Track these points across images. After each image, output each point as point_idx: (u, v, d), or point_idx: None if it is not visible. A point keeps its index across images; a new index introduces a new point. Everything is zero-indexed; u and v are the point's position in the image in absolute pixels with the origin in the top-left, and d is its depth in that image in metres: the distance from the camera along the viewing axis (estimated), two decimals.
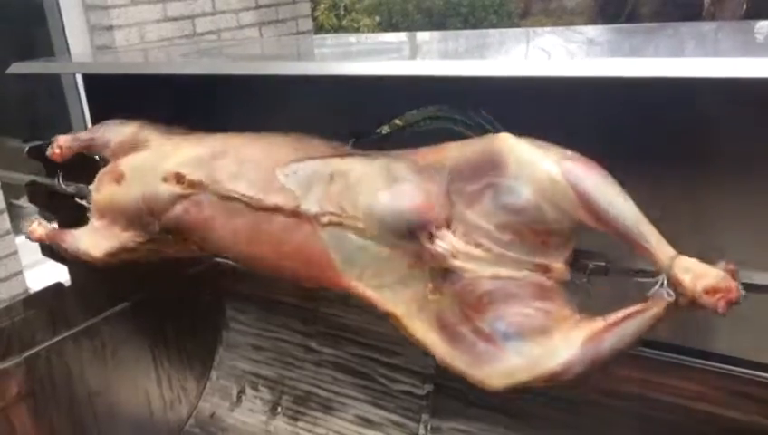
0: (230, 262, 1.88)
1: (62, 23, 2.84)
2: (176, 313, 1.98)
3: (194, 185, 1.27)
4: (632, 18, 7.71)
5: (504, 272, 1.02)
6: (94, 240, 1.44)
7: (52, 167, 1.58)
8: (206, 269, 2.00)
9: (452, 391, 1.70)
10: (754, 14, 5.62)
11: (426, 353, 1.71)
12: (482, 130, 1.43)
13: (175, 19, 3.02)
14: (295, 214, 1.17)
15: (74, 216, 1.51)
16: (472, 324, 1.04)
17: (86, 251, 1.45)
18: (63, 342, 1.70)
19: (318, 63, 1.52)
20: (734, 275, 0.89)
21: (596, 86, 1.08)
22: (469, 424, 1.68)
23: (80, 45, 2.85)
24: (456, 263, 1.04)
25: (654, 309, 0.93)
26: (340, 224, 1.13)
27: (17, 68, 1.54)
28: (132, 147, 1.43)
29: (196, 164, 1.29)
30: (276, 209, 1.18)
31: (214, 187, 1.25)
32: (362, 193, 1.12)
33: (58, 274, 1.79)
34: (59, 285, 1.72)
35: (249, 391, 2.05)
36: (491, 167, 1.01)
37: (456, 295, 1.05)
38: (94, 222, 1.44)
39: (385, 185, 1.11)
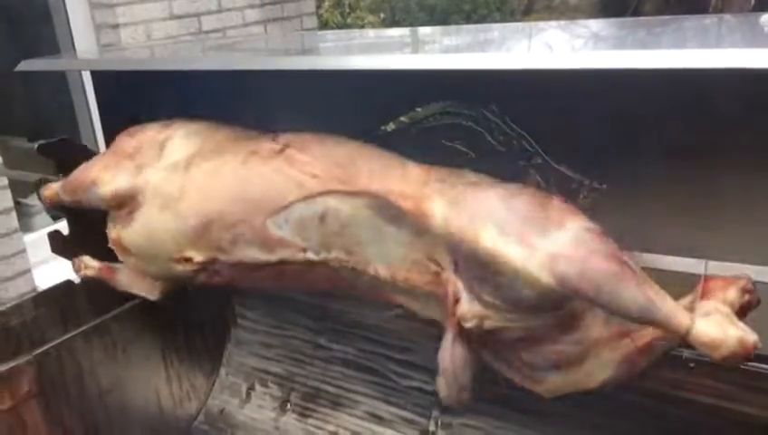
0: None
1: (68, 21, 2.85)
2: (185, 310, 1.98)
3: (204, 263, 1.32)
4: (636, 15, 7.69)
5: (526, 323, 1.09)
6: (143, 286, 1.55)
7: (61, 164, 1.58)
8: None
9: None
10: (760, 9, 5.60)
11: (437, 349, 1.73)
12: (491, 126, 1.44)
13: (181, 17, 3.03)
14: (307, 262, 1.22)
15: (83, 214, 1.52)
16: (516, 356, 1.15)
17: (144, 296, 1.57)
18: (74, 339, 1.70)
19: (331, 58, 1.51)
20: (750, 293, 0.94)
21: (603, 79, 1.08)
22: (480, 420, 1.68)
23: (85, 44, 2.85)
24: (484, 325, 1.10)
25: (677, 334, 0.96)
26: (353, 269, 1.19)
27: (27, 65, 1.54)
28: (122, 207, 1.41)
29: (194, 243, 1.31)
30: (285, 262, 1.23)
31: (222, 257, 1.29)
32: (362, 237, 1.17)
33: (66, 272, 1.79)
34: (69, 283, 1.72)
35: (258, 387, 2.05)
36: (485, 266, 1.04)
37: (492, 339, 1.14)
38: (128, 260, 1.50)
39: (379, 226, 1.15)
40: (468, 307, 1.08)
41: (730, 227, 1.19)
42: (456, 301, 1.09)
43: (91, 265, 1.62)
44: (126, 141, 1.43)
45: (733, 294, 0.94)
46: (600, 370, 1.06)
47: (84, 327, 1.72)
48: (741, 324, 0.92)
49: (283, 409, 2.00)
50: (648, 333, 1.01)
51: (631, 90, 1.15)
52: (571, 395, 1.14)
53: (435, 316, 1.21)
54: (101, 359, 1.77)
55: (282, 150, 1.24)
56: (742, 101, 1.13)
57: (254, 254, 1.23)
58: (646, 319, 0.93)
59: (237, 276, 1.31)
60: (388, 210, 1.12)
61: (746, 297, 0.93)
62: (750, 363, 1.31)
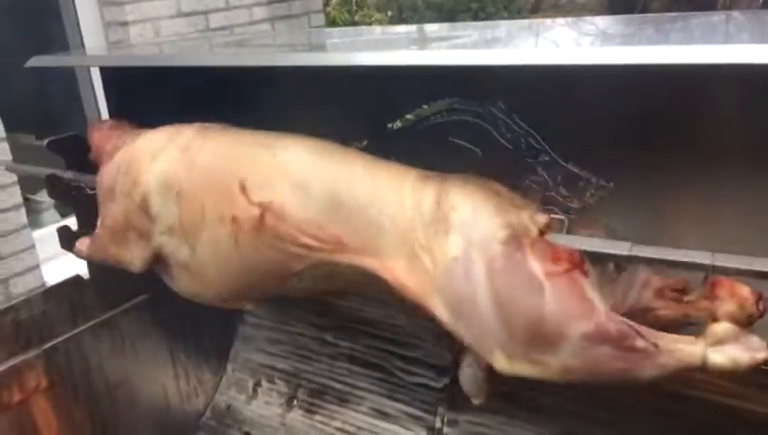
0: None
1: (77, 19, 2.86)
2: (192, 305, 1.98)
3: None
4: (644, 13, 7.66)
5: None
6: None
7: (71, 160, 1.60)
8: None
9: None
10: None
11: (442, 347, 1.73)
12: (497, 123, 1.44)
13: (188, 14, 3.04)
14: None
15: (93, 208, 1.53)
16: None
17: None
18: (83, 334, 1.71)
19: (339, 54, 1.52)
20: (758, 302, 0.94)
21: (611, 76, 1.08)
22: (486, 417, 1.68)
23: (94, 41, 2.87)
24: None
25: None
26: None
27: (37, 61, 1.55)
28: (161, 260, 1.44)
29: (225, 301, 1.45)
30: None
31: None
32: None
33: (74, 267, 1.80)
34: (78, 278, 1.73)
35: (265, 383, 2.06)
36: None
37: None
38: None
39: None
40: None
41: (737, 221, 1.19)
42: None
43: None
44: (108, 207, 1.42)
45: (741, 303, 0.95)
46: None
47: (93, 322, 1.73)
48: (751, 341, 0.95)
49: (289, 405, 2.01)
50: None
51: (639, 86, 1.15)
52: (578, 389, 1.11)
53: None
54: (110, 354, 1.78)
55: (261, 219, 1.21)
56: (748, 97, 1.13)
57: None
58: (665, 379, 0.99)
59: None
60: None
61: (754, 308, 0.94)
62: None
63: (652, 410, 1.44)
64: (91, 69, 2.81)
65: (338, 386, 1.93)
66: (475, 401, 1.26)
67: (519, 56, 1.10)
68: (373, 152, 1.29)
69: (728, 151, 1.20)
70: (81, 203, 1.61)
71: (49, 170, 1.63)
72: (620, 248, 1.04)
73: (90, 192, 1.54)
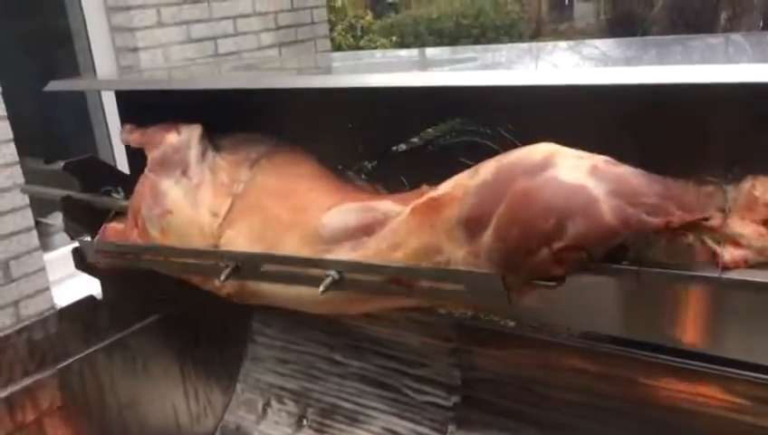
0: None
1: (89, 45, 2.91)
2: (203, 326, 2.01)
3: None
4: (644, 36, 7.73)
5: None
6: None
7: (87, 182, 1.62)
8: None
9: (479, 402, 1.72)
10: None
11: (452, 365, 1.74)
12: (504, 143, 1.46)
13: (198, 40, 3.09)
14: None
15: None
16: None
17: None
18: (95, 354, 1.73)
19: (345, 76, 1.55)
20: None
21: (617, 96, 1.10)
22: (495, 434, 1.69)
23: (106, 66, 2.91)
24: None
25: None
26: None
27: (55, 85, 1.59)
28: None
29: None
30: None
31: None
32: None
33: (84, 289, 1.82)
34: (91, 298, 1.75)
35: (274, 403, 2.07)
36: None
37: None
38: None
39: None
40: None
41: None
42: None
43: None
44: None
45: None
46: None
47: (106, 342, 1.75)
48: None
49: (299, 425, 2.01)
50: None
51: (643, 106, 1.17)
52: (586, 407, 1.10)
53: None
54: (122, 373, 1.79)
55: None
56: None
57: None
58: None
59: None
60: None
61: None
62: (759, 376, 1.33)
63: (661, 426, 1.45)
64: (103, 94, 2.85)
65: (348, 405, 1.94)
66: None
67: (531, 77, 1.13)
68: (380, 175, 1.31)
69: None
70: (95, 224, 1.64)
71: (64, 192, 1.66)
72: None
73: (105, 213, 1.57)
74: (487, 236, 1.03)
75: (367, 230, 1.19)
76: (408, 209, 1.14)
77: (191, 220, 1.41)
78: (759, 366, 1.35)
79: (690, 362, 1.42)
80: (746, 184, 0.95)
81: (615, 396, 1.50)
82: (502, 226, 1.01)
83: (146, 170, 1.48)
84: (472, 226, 1.05)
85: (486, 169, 1.06)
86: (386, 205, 1.20)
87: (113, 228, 1.58)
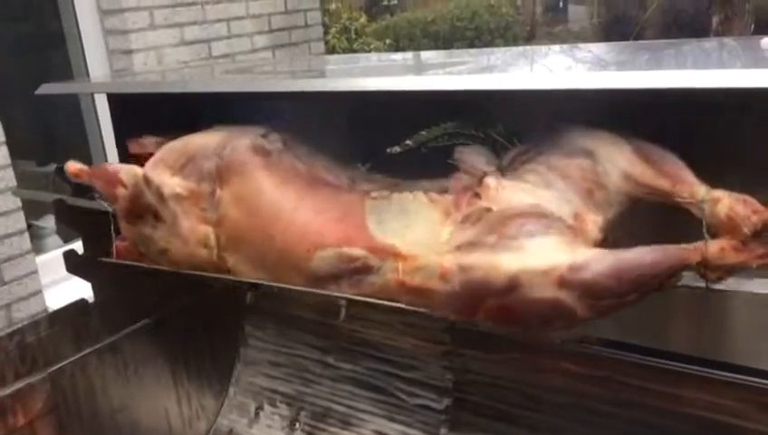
0: (248, 280, 1.92)
1: (83, 47, 2.91)
2: (195, 329, 2.00)
3: (276, 141, 1.40)
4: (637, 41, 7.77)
5: (542, 201, 1.06)
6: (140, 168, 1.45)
7: (79, 185, 1.62)
8: (225, 287, 2.03)
9: (471, 405, 1.71)
10: (759, 33, 5.67)
11: (444, 368, 1.74)
12: (497, 146, 1.47)
13: (191, 43, 3.09)
14: (350, 188, 1.30)
15: (100, 233, 1.55)
16: (498, 232, 1.03)
17: (128, 169, 1.43)
18: (87, 358, 1.72)
19: (339, 80, 1.55)
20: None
21: (608, 100, 1.11)
22: None
23: (99, 69, 2.92)
24: (498, 194, 1.08)
25: (683, 246, 0.96)
26: (387, 197, 1.21)
27: (47, 89, 1.59)
28: None
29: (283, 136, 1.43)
30: (335, 180, 1.33)
31: (292, 150, 1.39)
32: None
33: (75, 293, 1.82)
34: (83, 302, 1.75)
35: (267, 407, 2.07)
36: (553, 136, 1.13)
37: (489, 220, 1.07)
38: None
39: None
40: (495, 180, 1.11)
41: None
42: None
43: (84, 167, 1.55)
44: None
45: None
46: (586, 248, 1.00)
47: (97, 346, 1.75)
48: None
49: (291, 428, 2.01)
50: None
51: (633, 110, 1.18)
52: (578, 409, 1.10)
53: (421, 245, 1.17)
54: (113, 377, 1.79)
55: None
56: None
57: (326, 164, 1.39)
58: (680, 171, 1.03)
59: (275, 169, 1.35)
60: None
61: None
62: (755, 380, 1.34)
63: (656, 431, 1.45)
64: (96, 96, 2.85)
65: (340, 409, 1.94)
66: None
67: (522, 81, 1.14)
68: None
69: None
70: (87, 227, 1.64)
71: (56, 195, 1.66)
72: None
73: (97, 216, 1.56)
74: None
75: (360, 271, 1.20)
76: (389, 278, 1.16)
77: (191, 255, 1.40)
78: (751, 369, 1.35)
79: (683, 365, 1.42)
80: (722, 203, 0.96)
81: (607, 399, 1.50)
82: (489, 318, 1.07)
83: (122, 223, 1.46)
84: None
85: (453, 278, 1.07)
86: (363, 254, 1.18)
87: (125, 248, 1.55)
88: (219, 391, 2.11)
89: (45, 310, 2.53)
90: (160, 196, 1.37)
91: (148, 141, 1.55)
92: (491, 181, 1.10)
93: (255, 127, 1.42)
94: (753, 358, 1.33)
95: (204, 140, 1.41)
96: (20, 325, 1.64)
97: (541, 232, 1.01)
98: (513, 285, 1.00)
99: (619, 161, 1.06)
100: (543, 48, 2.62)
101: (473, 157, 1.19)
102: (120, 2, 2.81)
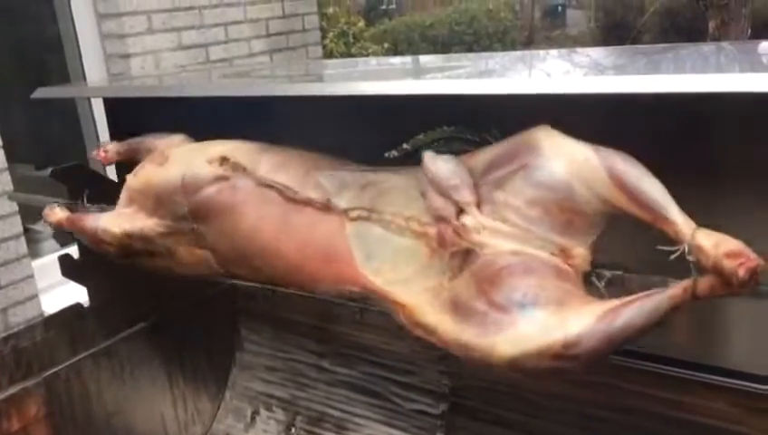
0: (244, 283, 1.92)
1: (80, 51, 2.91)
2: (191, 333, 2.00)
3: (236, 168, 1.32)
4: (635, 45, 7.79)
5: (525, 249, 1.04)
6: (116, 221, 1.45)
7: (74, 189, 1.62)
8: (221, 290, 2.03)
9: (467, 409, 1.71)
10: (755, 38, 5.69)
11: (440, 373, 1.74)
12: None
13: (189, 47, 3.09)
14: (326, 207, 1.22)
15: None
16: (487, 298, 1.04)
17: (105, 228, 1.44)
18: (82, 362, 1.72)
19: (338, 84, 1.55)
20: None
21: (604, 104, 1.11)
22: None
23: (96, 73, 2.91)
24: (480, 238, 1.07)
25: (671, 289, 0.94)
26: (367, 218, 1.18)
27: (43, 93, 1.59)
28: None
29: (243, 152, 1.35)
30: (308, 202, 1.23)
31: (254, 173, 1.30)
32: (394, 201, 1.18)
33: (72, 298, 1.82)
34: (78, 306, 1.75)
35: (263, 411, 2.06)
36: (526, 151, 1.07)
37: (475, 273, 1.07)
38: (120, 209, 1.46)
39: (416, 197, 1.16)
40: (474, 218, 1.08)
41: None
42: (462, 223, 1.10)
43: (62, 210, 1.58)
44: None
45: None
46: (577, 318, 0.96)
47: (93, 350, 1.74)
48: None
49: (287, 433, 2.01)
50: (637, 295, 0.98)
51: (632, 114, 1.18)
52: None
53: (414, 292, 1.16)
54: (109, 381, 1.79)
55: None
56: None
57: (287, 182, 1.27)
58: (664, 206, 0.96)
59: (241, 205, 1.30)
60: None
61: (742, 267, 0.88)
62: (753, 385, 1.33)
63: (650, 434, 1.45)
64: (92, 100, 2.85)
65: (336, 413, 1.94)
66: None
67: (516, 86, 1.14)
68: None
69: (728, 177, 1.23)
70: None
71: (51, 199, 1.65)
72: None
73: None
74: None
75: (363, 299, 1.25)
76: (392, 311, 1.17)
77: (196, 271, 1.44)
78: (749, 375, 1.35)
79: (681, 370, 1.42)
80: (706, 255, 0.91)
81: (603, 404, 1.50)
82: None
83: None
84: None
85: (453, 347, 1.09)
86: (361, 292, 1.20)
87: None
88: (215, 395, 2.10)
89: (41, 314, 2.52)
90: (146, 238, 1.41)
91: (111, 147, 1.58)
92: (469, 222, 1.08)
93: (215, 145, 1.40)
94: (751, 362, 1.34)
95: (164, 176, 1.40)
96: (15, 330, 1.63)
97: (530, 301, 1.01)
98: (512, 365, 1.02)
99: (596, 188, 1.00)
100: (542, 52, 2.62)
101: (444, 174, 1.14)
102: (117, 6, 2.81)
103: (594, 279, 1.06)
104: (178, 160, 1.40)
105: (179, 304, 1.90)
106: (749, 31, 5.43)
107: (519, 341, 0.99)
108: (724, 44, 2.65)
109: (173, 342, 1.95)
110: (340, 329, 1.92)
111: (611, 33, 8.73)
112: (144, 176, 1.43)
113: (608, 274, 1.04)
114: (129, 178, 1.46)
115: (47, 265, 2.57)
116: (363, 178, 1.24)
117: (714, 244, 0.90)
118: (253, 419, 2.07)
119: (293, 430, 2.00)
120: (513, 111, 1.30)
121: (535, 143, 1.06)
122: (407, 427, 1.81)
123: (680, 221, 0.94)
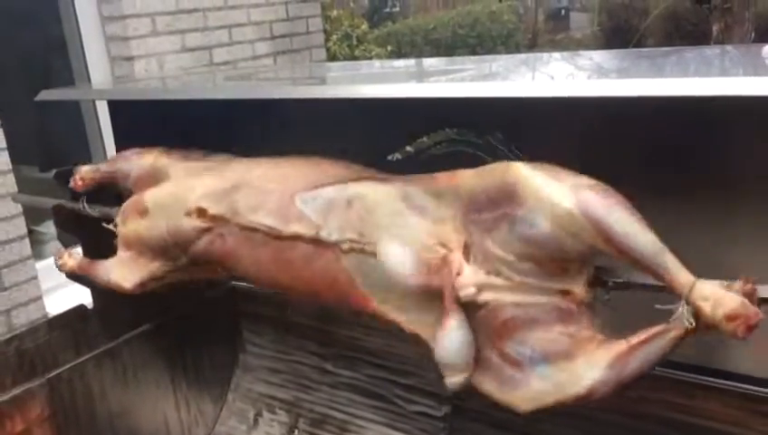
0: (247, 285, 1.92)
1: (84, 54, 2.92)
2: (194, 335, 2.00)
3: (216, 219, 1.31)
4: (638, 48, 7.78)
5: (525, 299, 1.05)
6: (123, 272, 1.48)
7: (78, 192, 1.62)
8: (224, 292, 2.03)
9: (470, 412, 1.71)
10: (759, 41, 5.68)
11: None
12: (497, 153, 1.47)
13: (193, 50, 3.10)
14: (315, 241, 1.19)
15: (98, 239, 1.55)
16: (498, 350, 1.07)
17: (117, 283, 1.49)
18: (86, 363, 1.72)
19: (340, 87, 1.56)
20: (752, 295, 0.90)
21: (608, 107, 1.11)
22: None
23: (100, 75, 2.92)
24: (480, 297, 1.07)
25: (675, 331, 0.94)
26: (361, 250, 1.15)
27: (46, 95, 1.59)
28: (153, 178, 1.48)
29: (217, 197, 1.32)
30: (296, 238, 1.21)
31: (235, 219, 1.28)
32: (381, 221, 1.15)
33: (76, 299, 1.82)
34: (82, 307, 1.75)
35: (266, 413, 2.06)
36: (506, 198, 1.03)
37: (480, 323, 1.08)
38: (121, 253, 1.49)
39: (401, 211, 1.14)
40: (470, 275, 1.06)
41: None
42: (458, 274, 1.07)
43: (73, 258, 1.63)
44: None
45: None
46: (588, 370, 0.99)
47: (96, 351, 1.75)
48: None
49: None
50: (641, 334, 0.99)
51: (635, 117, 1.18)
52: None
53: (424, 324, 1.16)
54: (112, 383, 1.79)
55: None
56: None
57: (269, 222, 1.24)
58: (655, 261, 0.93)
59: (235, 252, 1.30)
60: (417, 198, 1.14)
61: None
62: (755, 388, 1.33)
63: None
64: (97, 102, 2.86)
65: (339, 415, 1.94)
66: (460, 379, 1.13)
67: (520, 89, 1.14)
68: None
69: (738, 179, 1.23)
70: (86, 233, 1.64)
71: (55, 201, 1.66)
72: None
73: (95, 221, 1.56)
74: None
75: None
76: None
77: (213, 275, 1.51)
78: (750, 377, 1.35)
79: (681, 373, 1.42)
80: (705, 316, 0.90)
81: (605, 407, 1.50)
82: None
83: None
84: None
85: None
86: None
87: None
88: (218, 397, 2.10)
89: (45, 316, 2.53)
90: (157, 278, 1.46)
91: (86, 174, 1.59)
92: (466, 281, 1.07)
93: (187, 191, 1.39)
94: (752, 364, 1.34)
95: (151, 233, 1.42)
96: (18, 331, 1.64)
97: (539, 356, 1.04)
98: (533, 415, 1.07)
99: (585, 239, 0.97)
100: (545, 55, 2.62)
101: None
102: (121, 8, 2.82)
103: (599, 293, 1.05)
104: (158, 213, 1.41)
105: (182, 307, 1.90)
106: (753, 34, 5.42)
107: (536, 398, 1.05)
108: (728, 48, 2.65)
109: (176, 344, 1.95)
110: (342, 331, 1.92)
111: (615, 37, 8.72)
112: (132, 227, 1.46)
113: (611, 282, 1.03)
114: (119, 225, 1.48)
115: (51, 267, 2.56)
116: (344, 191, 1.21)
117: (712, 306, 0.89)
118: (255, 421, 2.07)
119: (296, 432, 2.00)
120: (517, 114, 1.31)
121: (513, 189, 1.02)
122: (409, 429, 1.81)
123: (675, 278, 0.93)
